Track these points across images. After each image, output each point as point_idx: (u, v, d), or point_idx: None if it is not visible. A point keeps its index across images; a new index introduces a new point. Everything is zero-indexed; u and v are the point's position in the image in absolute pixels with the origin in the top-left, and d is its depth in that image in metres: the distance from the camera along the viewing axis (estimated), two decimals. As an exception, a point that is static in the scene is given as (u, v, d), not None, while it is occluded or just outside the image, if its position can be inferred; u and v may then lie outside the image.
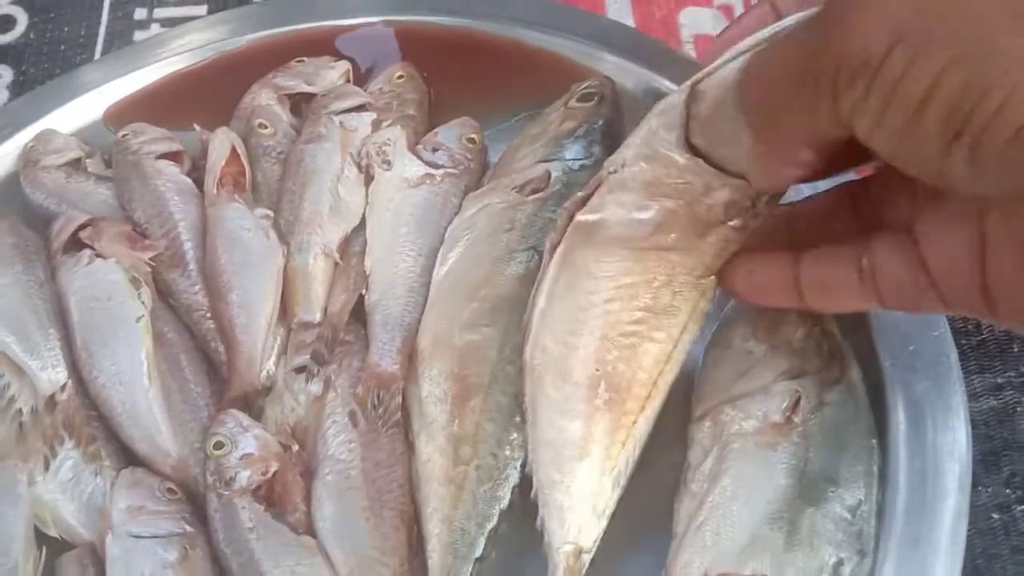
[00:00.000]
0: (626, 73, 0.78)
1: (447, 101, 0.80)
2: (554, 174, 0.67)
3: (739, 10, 0.86)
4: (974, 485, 0.55)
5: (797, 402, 0.55)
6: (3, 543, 0.57)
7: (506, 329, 0.61)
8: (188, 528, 0.57)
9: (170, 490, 0.59)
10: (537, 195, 0.66)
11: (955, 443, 0.56)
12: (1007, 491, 0.63)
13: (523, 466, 0.58)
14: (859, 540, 0.52)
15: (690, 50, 0.84)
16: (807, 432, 0.55)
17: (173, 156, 0.74)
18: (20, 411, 0.62)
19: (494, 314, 0.62)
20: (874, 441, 0.55)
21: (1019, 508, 0.62)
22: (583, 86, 0.73)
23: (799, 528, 0.52)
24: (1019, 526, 0.61)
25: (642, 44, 0.80)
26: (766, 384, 0.57)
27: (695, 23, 0.86)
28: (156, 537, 0.56)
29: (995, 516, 0.62)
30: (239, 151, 0.72)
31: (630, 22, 0.86)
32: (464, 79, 0.82)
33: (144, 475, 0.60)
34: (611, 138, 0.70)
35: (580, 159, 0.68)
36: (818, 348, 0.58)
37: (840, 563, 0.51)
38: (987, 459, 0.63)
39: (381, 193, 0.70)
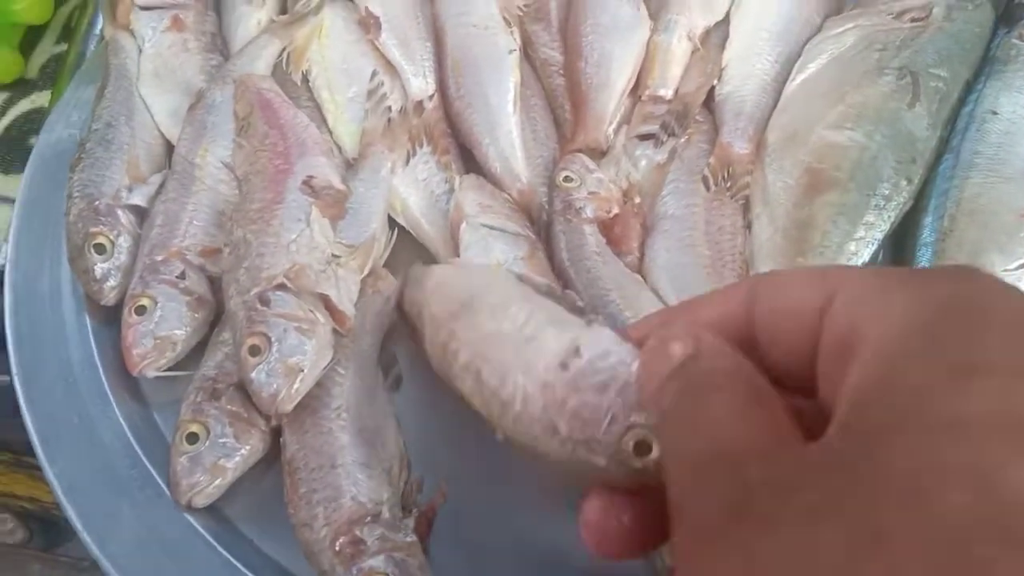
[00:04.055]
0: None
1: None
2: (936, 8, 0.66)
3: None
4: None
5: None
6: (366, 213, 0.61)
7: (870, 135, 0.61)
8: (531, 235, 0.60)
9: (507, 200, 0.62)
10: (916, 23, 0.66)
11: None
12: None
13: (865, 264, 0.58)
14: None
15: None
16: None
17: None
18: (389, 108, 0.66)
19: (859, 120, 0.62)
20: None
21: None
22: (968, -62, 0.72)
23: None
24: None
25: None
26: None
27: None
28: (506, 232, 0.59)
29: None
30: (618, -75, 0.73)
31: None
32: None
33: (485, 183, 0.63)
34: (994, -12, 0.69)
35: (963, 0, 0.67)
36: None
37: None
38: None
39: (749, -4, 0.70)
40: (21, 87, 0.82)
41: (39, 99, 0.80)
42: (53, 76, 0.81)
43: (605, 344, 0.40)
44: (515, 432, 0.40)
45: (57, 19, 0.85)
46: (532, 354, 0.42)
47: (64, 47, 0.82)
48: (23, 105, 0.81)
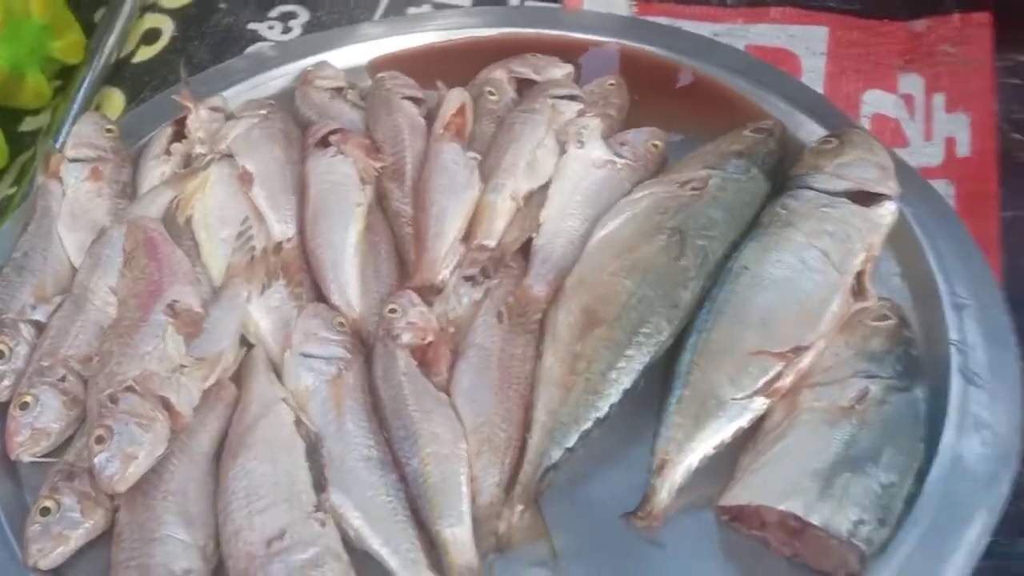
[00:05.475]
0: (799, 126, 0.90)
1: (642, 114, 0.94)
2: (713, 180, 0.80)
3: (920, 101, 0.97)
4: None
5: (864, 395, 0.66)
6: (219, 333, 0.73)
7: (639, 284, 0.74)
8: (347, 355, 0.73)
9: (340, 323, 0.75)
10: (694, 192, 0.79)
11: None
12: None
13: (626, 390, 0.70)
14: (883, 511, 0.61)
15: (866, 124, 0.95)
16: (865, 419, 0.65)
17: (415, 100, 0.92)
18: (253, 247, 0.80)
19: (631, 271, 0.75)
20: (921, 445, 0.64)
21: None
22: (759, 123, 0.86)
23: (833, 486, 0.61)
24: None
25: (826, 109, 0.92)
26: (844, 378, 0.67)
27: (876, 104, 0.97)
28: (320, 357, 0.72)
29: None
30: (467, 107, 0.88)
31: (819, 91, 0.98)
32: (663, 101, 0.96)
33: (324, 310, 0.76)
34: (770, 167, 0.83)
35: (738, 174, 0.81)
36: (896, 361, 0.68)
37: (861, 522, 0.60)
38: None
39: (569, 165, 0.85)
40: (-23, 221, 0.96)
41: (-11, 231, 0.95)
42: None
43: (307, 538, 0.61)
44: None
45: (14, 166, 1.01)
46: (256, 521, 0.62)
47: (15, 189, 0.97)
48: (-25, 235, 0.95)
